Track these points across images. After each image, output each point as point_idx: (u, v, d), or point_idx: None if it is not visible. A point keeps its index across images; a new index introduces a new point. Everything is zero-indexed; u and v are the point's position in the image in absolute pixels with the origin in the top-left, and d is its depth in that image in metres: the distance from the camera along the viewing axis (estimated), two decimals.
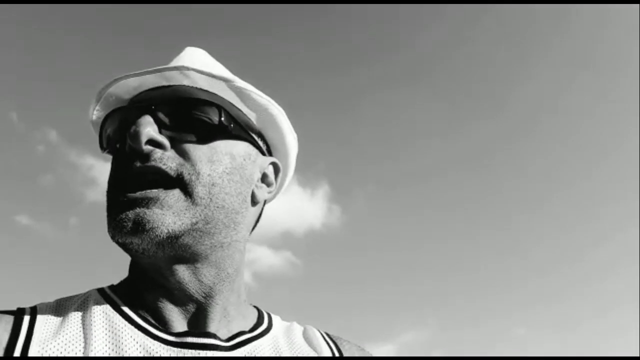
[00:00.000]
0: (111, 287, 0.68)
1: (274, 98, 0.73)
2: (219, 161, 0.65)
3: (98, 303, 0.64)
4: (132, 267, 0.69)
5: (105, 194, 0.65)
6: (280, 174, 0.77)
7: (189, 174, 0.62)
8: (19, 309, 0.63)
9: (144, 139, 0.61)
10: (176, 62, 0.72)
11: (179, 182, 0.62)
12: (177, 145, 0.64)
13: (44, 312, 0.63)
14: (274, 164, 0.76)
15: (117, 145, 0.66)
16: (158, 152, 0.62)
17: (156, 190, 0.60)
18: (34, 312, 0.62)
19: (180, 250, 0.62)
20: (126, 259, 0.68)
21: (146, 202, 0.60)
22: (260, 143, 0.73)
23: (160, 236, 0.59)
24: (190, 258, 0.64)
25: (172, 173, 0.61)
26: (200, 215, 0.62)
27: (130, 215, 0.59)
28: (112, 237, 0.61)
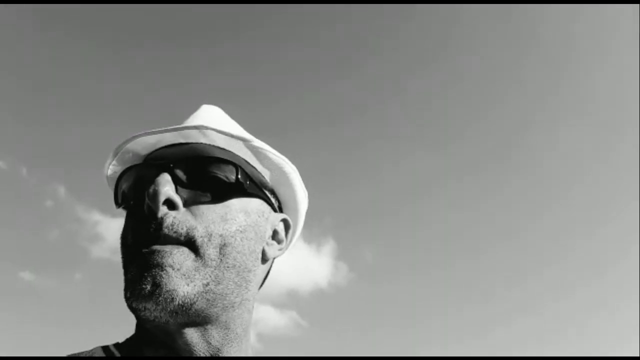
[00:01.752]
0: (116, 344, 0.67)
1: (277, 148, 0.74)
2: (233, 219, 0.65)
3: None
4: (139, 325, 0.68)
5: (118, 249, 0.65)
6: (290, 231, 0.77)
7: (200, 237, 0.62)
8: None
9: (162, 198, 0.61)
10: (193, 120, 0.73)
11: (190, 245, 0.61)
12: (191, 205, 0.64)
13: None
14: (285, 221, 0.76)
15: (132, 202, 0.67)
16: (170, 217, 0.61)
17: (170, 246, 0.60)
18: None
19: (193, 316, 0.61)
20: (132, 315, 0.67)
21: (160, 260, 0.59)
22: (273, 200, 0.74)
23: (174, 302, 0.58)
24: (202, 321, 0.63)
25: (182, 239, 0.61)
26: (211, 276, 0.61)
27: (149, 279, 0.59)
28: (127, 300, 0.60)
